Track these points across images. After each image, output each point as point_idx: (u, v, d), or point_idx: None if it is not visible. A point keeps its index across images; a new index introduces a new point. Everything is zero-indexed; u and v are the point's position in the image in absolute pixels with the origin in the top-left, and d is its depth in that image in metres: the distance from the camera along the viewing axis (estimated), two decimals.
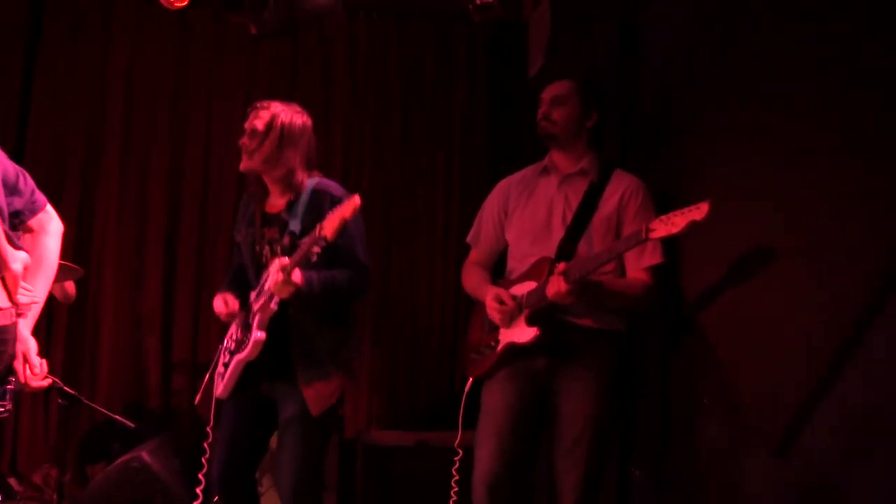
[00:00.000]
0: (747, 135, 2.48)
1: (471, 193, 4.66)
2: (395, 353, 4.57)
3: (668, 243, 2.64)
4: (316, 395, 2.64)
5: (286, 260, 2.58)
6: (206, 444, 2.71)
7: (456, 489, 2.84)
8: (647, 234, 2.35)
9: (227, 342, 2.83)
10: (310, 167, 2.78)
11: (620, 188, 2.70)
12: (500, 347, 2.67)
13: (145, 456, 3.48)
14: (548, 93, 2.81)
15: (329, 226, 2.51)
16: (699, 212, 2.23)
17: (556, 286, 2.49)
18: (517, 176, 2.92)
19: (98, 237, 4.35)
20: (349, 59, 4.61)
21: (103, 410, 3.21)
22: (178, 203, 4.48)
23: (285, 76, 4.52)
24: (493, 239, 2.91)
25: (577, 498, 2.58)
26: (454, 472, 2.84)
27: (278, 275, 2.56)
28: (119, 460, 3.56)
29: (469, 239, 2.99)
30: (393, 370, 4.55)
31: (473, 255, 2.98)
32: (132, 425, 3.17)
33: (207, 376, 2.84)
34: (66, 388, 3.13)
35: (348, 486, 3.90)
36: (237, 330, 2.80)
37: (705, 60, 2.73)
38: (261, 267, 2.77)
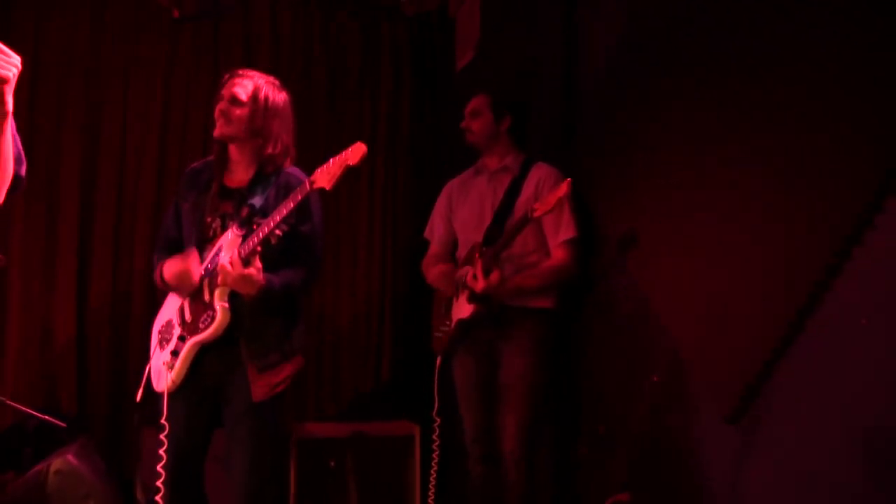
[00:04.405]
0: (693, 117, 2.61)
1: (395, 185, 4.68)
2: (319, 346, 4.50)
3: (585, 221, 3.06)
4: (262, 383, 2.56)
5: (235, 256, 2.46)
6: (162, 437, 2.54)
7: (437, 452, 3.12)
8: (532, 214, 2.78)
9: (166, 332, 2.67)
10: (289, 149, 2.70)
11: (535, 177, 3.11)
12: (452, 324, 3.08)
13: (72, 458, 3.29)
14: (467, 108, 3.26)
15: (327, 174, 2.38)
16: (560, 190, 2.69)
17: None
18: (458, 178, 3.38)
19: (1, 223, 4.04)
20: (273, 49, 4.50)
21: (30, 411, 3.00)
22: (91, 184, 4.20)
23: (207, 62, 4.37)
24: (444, 232, 3.37)
25: (514, 442, 2.95)
26: (435, 438, 3.13)
27: (236, 268, 2.45)
28: (39, 465, 3.34)
29: (426, 234, 3.45)
30: (317, 362, 4.48)
31: (431, 248, 3.41)
32: (63, 425, 2.98)
33: (147, 370, 2.68)
34: None
35: (283, 480, 3.81)
36: (184, 313, 2.64)
37: (647, 49, 2.86)
38: (206, 240, 2.64)
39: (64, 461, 3.29)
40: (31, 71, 4.13)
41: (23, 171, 2.11)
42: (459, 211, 3.28)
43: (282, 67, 4.47)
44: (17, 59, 1.97)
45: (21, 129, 3.83)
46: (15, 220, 4.04)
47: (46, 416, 2.94)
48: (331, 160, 2.41)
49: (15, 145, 2.09)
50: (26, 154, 4.04)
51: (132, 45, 4.28)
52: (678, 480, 2.65)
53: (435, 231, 3.38)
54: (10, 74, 1.95)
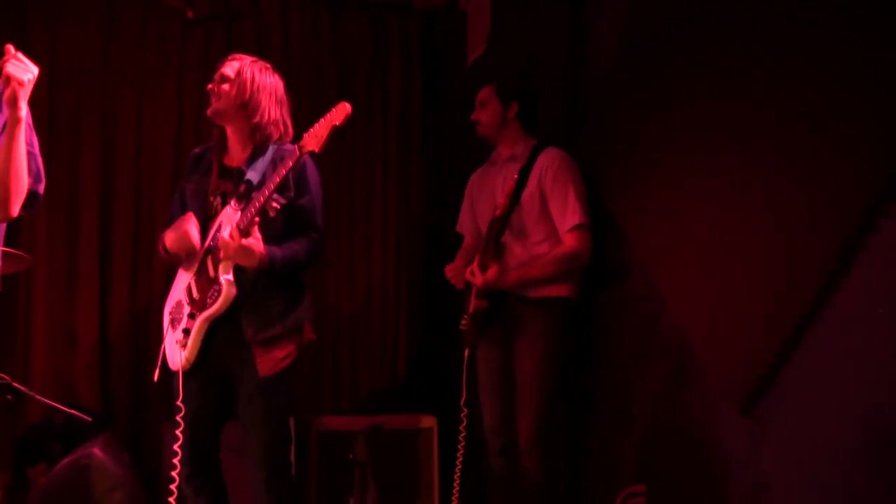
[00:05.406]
0: (702, 114, 2.63)
1: (408, 180, 4.72)
2: (336, 340, 4.56)
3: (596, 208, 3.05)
4: (267, 358, 2.62)
5: (234, 229, 2.51)
6: (179, 418, 2.59)
7: (463, 443, 3.13)
8: (496, 213, 2.91)
9: (176, 312, 2.73)
10: (281, 125, 2.74)
11: (540, 165, 3.09)
12: (468, 319, 3.12)
13: (98, 452, 3.37)
14: (476, 99, 3.27)
15: (315, 137, 2.45)
16: None
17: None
18: (479, 170, 3.39)
19: (25, 230, 4.14)
20: (283, 48, 4.54)
21: (58, 405, 3.09)
22: (110, 185, 4.29)
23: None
24: (472, 225, 3.38)
25: (529, 432, 2.99)
26: (461, 429, 3.13)
27: (235, 240, 2.51)
28: (67, 459, 3.43)
29: (458, 228, 3.45)
30: (334, 356, 4.54)
31: (465, 242, 3.41)
32: (89, 420, 3.06)
33: (162, 351, 2.74)
34: (14, 383, 2.99)
35: (303, 473, 3.88)
36: (192, 291, 2.70)
37: (656, 43, 2.88)
38: (208, 218, 2.72)
39: (90, 454, 3.37)
40: (48, 79, 4.21)
41: (40, 188, 2.16)
42: (478, 202, 3.31)
43: (293, 64, 4.53)
44: (34, 69, 2.03)
45: (41, 133, 3.89)
46: (39, 224, 4.13)
47: (73, 411, 3.02)
48: (316, 124, 2.48)
49: (35, 162, 2.12)
50: (47, 163, 4.09)
51: (145, 49, 4.34)
52: (692, 471, 2.68)
53: (464, 225, 3.41)
54: (26, 79, 2.00)
